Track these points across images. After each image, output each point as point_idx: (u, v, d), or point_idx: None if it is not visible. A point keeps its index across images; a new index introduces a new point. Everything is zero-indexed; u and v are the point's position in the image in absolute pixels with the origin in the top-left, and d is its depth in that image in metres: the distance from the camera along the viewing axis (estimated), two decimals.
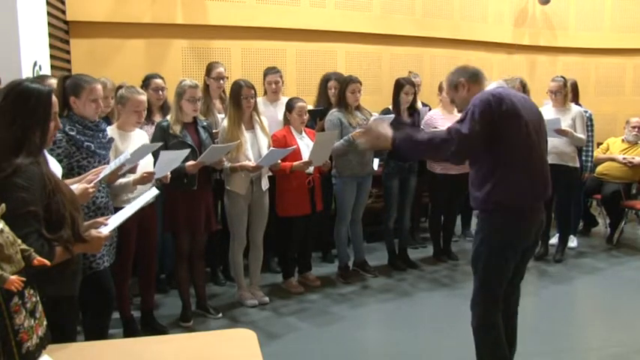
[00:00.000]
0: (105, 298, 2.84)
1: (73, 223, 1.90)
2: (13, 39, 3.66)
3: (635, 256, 5.43)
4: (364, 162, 4.59)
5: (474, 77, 2.71)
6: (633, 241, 5.99)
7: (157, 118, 4.14)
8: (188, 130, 3.73)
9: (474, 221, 5.80)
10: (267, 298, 4.22)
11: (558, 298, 4.37)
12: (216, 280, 4.62)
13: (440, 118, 4.96)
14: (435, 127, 4.78)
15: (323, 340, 3.63)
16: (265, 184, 4.12)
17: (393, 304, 4.25)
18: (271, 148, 3.99)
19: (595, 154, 5.71)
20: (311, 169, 4.27)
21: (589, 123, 5.32)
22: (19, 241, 1.58)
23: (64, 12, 5.03)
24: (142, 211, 2.66)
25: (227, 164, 3.90)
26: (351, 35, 6.22)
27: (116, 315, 3.38)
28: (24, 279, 1.52)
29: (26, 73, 3.73)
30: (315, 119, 4.87)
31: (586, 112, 5.26)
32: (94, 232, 2.02)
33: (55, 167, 2.27)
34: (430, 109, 5.40)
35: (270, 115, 4.53)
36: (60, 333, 1.86)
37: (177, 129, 3.67)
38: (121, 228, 2.68)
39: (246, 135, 3.98)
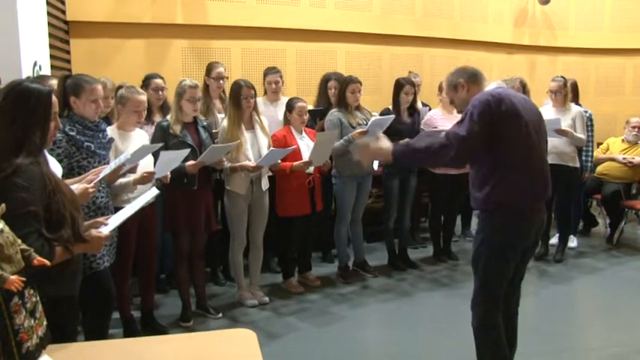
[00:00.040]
0: (105, 298, 2.83)
1: (74, 223, 1.90)
2: (13, 39, 3.66)
3: (635, 256, 5.43)
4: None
5: (473, 78, 2.72)
6: (633, 241, 5.99)
7: (157, 118, 4.14)
8: (188, 130, 3.73)
9: (474, 221, 5.80)
10: (267, 298, 4.22)
11: (558, 298, 4.37)
12: (216, 280, 4.62)
13: (440, 118, 4.96)
14: (435, 127, 4.79)
15: (323, 340, 3.63)
16: (265, 184, 4.12)
17: (393, 304, 4.25)
18: (271, 148, 3.99)
19: (595, 154, 5.71)
20: (311, 169, 4.28)
21: (589, 123, 5.32)
22: (19, 241, 1.58)
23: (64, 12, 5.03)
24: (142, 211, 2.66)
25: (227, 164, 3.90)
26: (351, 35, 6.22)
27: (116, 315, 3.38)
28: (24, 279, 1.52)
29: (26, 73, 3.73)
30: (315, 119, 4.87)
31: (586, 112, 5.26)
32: (94, 231, 2.02)
33: (55, 167, 2.27)
34: (430, 109, 5.40)
35: (270, 115, 4.53)
36: (60, 333, 1.86)
37: (177, 129, 3.67)
38: (121, 228, 2.68)
39: (246, 135, 3.98)
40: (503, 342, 2.67)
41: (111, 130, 3.25)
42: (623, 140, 5.98)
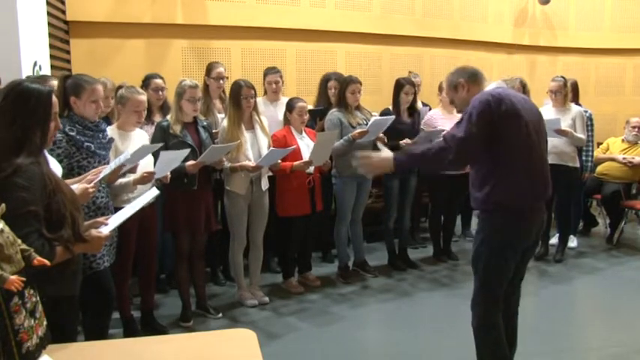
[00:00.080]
0: (105, 298, 2.83)
1: (74, 222, 1.90)
2: (13, 39, 3.66)
3: (635, 256, 5.43)
4: None
5: (473, 77, 2.72)
6: (633, 241, 5.99)
7: (157, 118, 4.14)
8: (188, 130, 3.73)
9: (474, 221, 5.80)
10: (267, 298, 4.22)
11: (558, 298, 4.37)
12: (216, 280, 4.62)
13: (440, 118, 4.96)
14: (435, 127, 4.79)
15: (323, 340, 3.63)
16: (265, 184, 4.12)
17: (393, 304, 4.25)
18: (271, 148, 3.99)
19: (595, 154, 5.71)
20: (311, 168, 4.28)
21: (589, 123, 5.32)
22: (19, 241, 1.58)
23: (64, 12, 5.03)
24: (142, 211, 2.66)
25: (227, 164, 3.90)
26: (351, 35, 6.23)
27: (116, 315, 3.38)
28: (24, 279, 1.52)
29: (26, 73, 3.73)
30: (315, 119, 4.87)
31: (586, 112, 5.26)
32: (94, 231, 2.02)
33: (56, 167, 2.27)
34: (430, 109, 5.40)
35: (270, 115, 4.53)
36: (60, 333, 1.86)
37: (177, 129, 3.67)
38: (121, 228, 2.67)
39: (246, 135, 3.98)
40: (503, 342, 2.67)
41: (111, 130, 3.25)
42: (623, 140, 5.98)
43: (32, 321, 1.58)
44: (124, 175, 3.06)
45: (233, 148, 3.79)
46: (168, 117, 3.78)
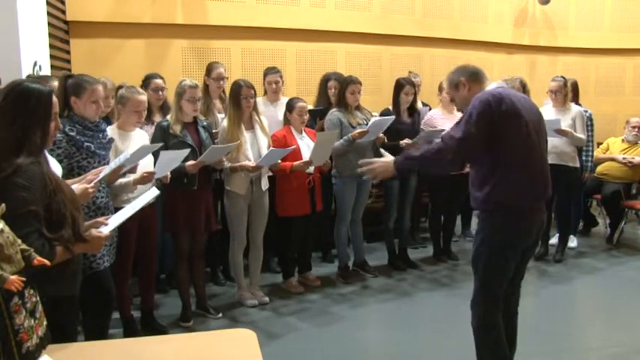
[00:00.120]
0: (105, 298, 2.83)
1: (74, 222, 1.90)
2: (13, 39, 3.66)
3: (635, 256, 5.43)
4: None
5: (474, 76, 2.71)
6: (633, 241, 5.99)
7: (157, 118, 4.14)
8: (188, 130, 3.73)
9: (474, 221, 5.80)
10: (267, 298, 4.22)
11: (558, 298, 4.37)
12: (216, 280, 4.62)
13: (440, 118, 4.96)
14: (435, 127, 4.79)
15: (323, 340, 3.63)
16: (265, 184, 4.12)
17: (393, 304, 4.25)
18: (271, 148, 3.99)
19: (595, 154, 5.71)
20: (311, 168, 4.28)
21: (589, 123, 5.32)
22: (19, 241, 1.58)
23: (64, 12, 5.03)
24: (142, 211, 2.66)
25: (227, 164, 3.90)
26: (351, 35, 6.23)
27: (116, 315, 3.38)
28: (24, 279, 1.52)
29: (26, 73, 3.73)
30: (315, 119, 4.87)
31: (586, 112, 5.26)
32: (94, 231, 2.02)
33: (56, 167, 2.27)
34: (430, 109, 5.40)
35: (270, 115, 4.53)
36: (60, 333, 1.86)
37: (177, 129, 3.67)
38: (121, 228, 2.67)
39: (246, 135, 3.98)
40: (503, 342, 2.67)
41: (111, 130, 3.25)
42: (623, 140, 5.98)
43: (32, 321, 1.58)
44: (124, 175, 3.06)
45: (233, 148, 3.79)
46: (168, 117, 3.78)
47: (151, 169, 3.28)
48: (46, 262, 1.62)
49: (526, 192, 2.56)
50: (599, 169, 5.87)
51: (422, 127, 4.93)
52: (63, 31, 5.02)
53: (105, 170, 2.49)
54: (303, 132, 4.37)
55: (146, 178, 3.21)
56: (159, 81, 4.33)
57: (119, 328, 3.55)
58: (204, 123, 3.88)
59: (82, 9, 5.09)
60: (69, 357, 1.78)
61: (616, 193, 5.69)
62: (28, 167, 1.78)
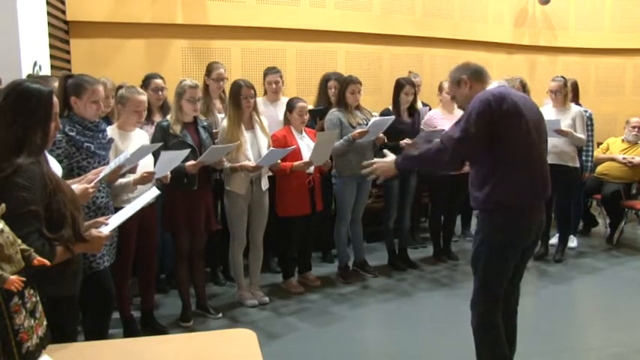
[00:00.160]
0: (105, 298, 2.84)
1: (74, 222, 1.90)
2: (13, 39, 3.66)
3: (635, 256, 5.43)
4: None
5: (476, 75, 2.71)
6: (633, 241, 5.99)
7: (157, 118, 4.15)
8: (188, 130, 3.73)
9: (474, 221, 5.80)
10: (267, 298, 4.22)
11: (558, 298, 4.37)
12: (216, 280, 4.62)
13: (440, 118, 4.96)
14: (435, 127, 4.79)
15: (323, 340, 3.63)
16: (265, 184, 4.12)
17: (393, 304, 4.25)
18: (271, 148, 3.99)
19: (595, 154, 5.71)
20: (311, 168, 4.28)
21: (589, 123, 5.32)
22: (19, 241, 1.58)
23: (64, 12, 5.03)
24: (142, 211, 2.66)
25: (227, 164, 3.90)
26: (351, 35, 6.23)
27: (116, 315, 3.38)
28: (24, 279, 1.52)
29: (26, 73, 3.73)
30: (315, 119, 4.87)
31: (586, 112, 5.26)
32: (94, 231, 2.02)
33: (56, 168, 2.27)
34: (430, 109, 5.40)
35: (271, 115, 4.53)
36: (60, 333, 1.86)
37: (177, 129, 3.67)
38: (121, 228, 2.67)
39: (246, 135, 3.98)
40: (502, 341, 2.67)
41: (111, 130, 3.25)
42: (623, 140, 5.98)
43: (32, 321, 1.58)
44: (124, 175, 3.06)
45: (233, 148, 3.79)
46: (168, 117, 3.78)
47: (151, 169, 3.28)
48: (46, 262, 1.62)
49: (526, 191, 2.56)
50: (599, 169, 5.87)
51: (422, 127, 4.93)
52: (63, 31, 5.02)
53: (105, 170, 2.49)
54: (304, 132, 4.37)
55: (146, 178, 3.21)
56: (159, 81, 4.33)
57: (119, 328, 3.55)
58: (205, 123, 3.88)
59: (82, 9, 5.09)
60: (69, 357, 1.78)
61: (616, 193, 5.69)
62: (28, 167, 1.78)
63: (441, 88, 5.10)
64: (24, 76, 3.53)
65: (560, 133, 4.79)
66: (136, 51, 5.35)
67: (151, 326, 3.68)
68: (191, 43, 5.57)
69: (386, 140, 4.50)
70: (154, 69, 4.74)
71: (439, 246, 5.27)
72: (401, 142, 4.53)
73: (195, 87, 3.71)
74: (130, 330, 3.57)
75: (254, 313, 4.05)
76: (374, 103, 5.34)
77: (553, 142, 4.50)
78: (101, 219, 2.16)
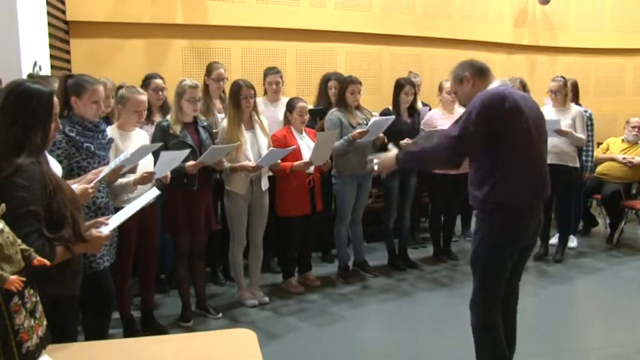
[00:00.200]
0: (105, 298, 2.84)
1: (74, 222, 1.90)
2: (13, 39, 3.66)
3: (635, 256, 5.43)
4: (364, 162, 4.58)
5: (479, 72, 2.70)
6: (633, 241, 5.99)
7: (157, 118, 4.15)
8: (188, 130, 3.73)
9: (473, 221, 5.78)
10: (267, 298, 4.22)
11: (558, 298, 4.37)
12: (216, 280, 4.62)
13: (440, 118, 4.96)
14: (435, 127, 4.79)
15: (323, 340, 3.63)
16: (265, 184, 4.12)
17: (393, 304, 4.25)
18: (271, 148, 3.99)
19: (595, 154, 5.71)
20: (311, 168, 4.28)
21: (589, 123, 5.33)
22: (19, 241, 1.58)
23: (64, 12, 5.03)
24: (142, 211, 2.66)
25: (227, 164, 3.90)
26: (351, 35, 6.23)
27: (116, 315, 3.38)
28: (24, 279, 1.52)
29: (26, 73, 3.73)
30: (315, 119, 4.88)
31: (586, 111, 5.26)
32: (94, 231, 2.02)
33: (56, 168, 2.27)
34: (430, 109, 5.40)
35: (271, 115, 4.53)
36: (60, 333, 1.86)
37: (177, 129, 3.67)
38: (121, 228, 2.68)
39: (246, 135, 3.98)
40: (502, 342, 2.67)
41: (111, 130, 3.25)
42: (623, 140, 5.98)
43: (32, 321, 1.58)
44: (124, 175, 3.06)
45: (233, 149, 3.79)
46: (168, 117, 3.78)
47: (151, 169, 3.28)
48: (46, 262, 1.62)
49: (525, 191, 2.56)
50: (599, 169, 5.87)
51: (422, 127, 4.93)
52: (63, 31, 5.02)
53: (105, 170, 2.49)
54: (304, 132, 4.37)
55: (146, 178, 3.21)
56: (159, 81, 4.33)
57: (119, 328, 3.56)
58: (205, 123, 3.88)
59: (82, 9, 5.09)
60: (69, 357, 1.78)
61: (616, 193, 5.69)
62: (28, 167, 1.78)
63: (441, 88, 5.10)
64: (24, 76, 3.53)
65: (560, 133, 4.79)
66: (136, 51, 5.35)
67: (151, 326, 3.68)
68: (191, 43, 5.57)
69: (386, 140, 4.50)
70: (154, 69, 4.74)
71: (439, 246, 5.27)
72: (401, 142, 4.52)
73: (195, 87, 3.71)
74: (130, 330, 3.57)
75: (254, 313, 4.05)
76: (374, 103, 5.33)
77: (553, 142, 4.50)
78: (101, 219, 2.16)
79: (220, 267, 4.70)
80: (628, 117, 6.15)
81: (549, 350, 3.43)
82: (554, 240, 5.42)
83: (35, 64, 3.95)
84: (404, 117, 4.81)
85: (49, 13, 4.42)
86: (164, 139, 3.58)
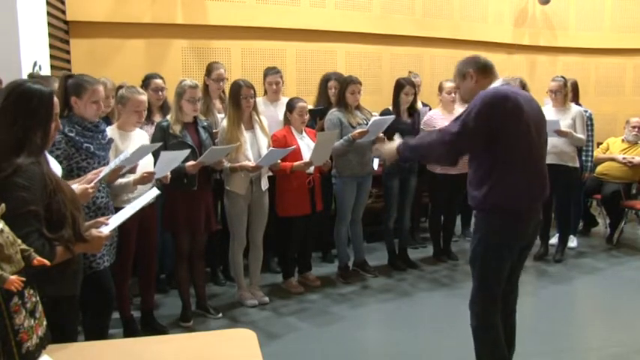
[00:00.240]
0: (105, 298, 2.84)
1: (74, 222, 1.90)
2: (13, 39, 3.67)
3: (635, 256, 5.43)
4: (364, 162, 4.59)
5: (483, 69, 2.70)
6: (633, 241, 5.99)
7: (157, 118, 4.15)
8: (188, 130, 3.73)
9: (473, 221, 5.79)
10: (267, 298, 4.22)
11: (558, 298, 4.37)
12: (216, 280, 4.62)
13: (440, 118, 4.95)
14: (435, 127, 4.78)
15: (323, 340, 3.63)
16: (265, 184, 4.12)
17: (393, 304, 4.25)
18: (271, 148, 3.99)
19: (595, 154, 5.71)
20: (311, 168, 4.28)
21: (589, 123, 5.33)
22: (19, 241, 1.58)
23: (64, 12, 5.03)
24: (142, 211, 2.66)
25: (227, 164, 3.90)
26: (351, 35, 6.23)
27: (116, 315, 3.38)
28: (24, 279, 1.52)
29: (26, 73, 3.73)
30: (315, 119, 4.88)
31: (586, 111, 5.26)
32: (94, 231, 2.02)
33: (56, 168, 2.27)
34: (430, 109, 5.40)
35: (271, 115, 4.53)
36: (60, 333, 1.86)
37: (177, 129, 3.67)
38: (121, 228, 2.68)
39: (246, 135, 3.98)
40: (501, 342, 2.67)
41: (111, 130, 3.25)
42: (623, 140, 5.98)
43: (32, 321, 1.58)
44: (123, 175, 3.06)
45: (233, 149, 3.79)
46: (168, 117, 3.78)
47: (151, 169, 3.28)
48: (46, 262, 1.62)
49: (523, 194, 2.55)
50: (599, 169, 5.87)
51: (422, 127, 4.93)
52: (63, 31, 5.02)
53: (105, 170, 2.50)
54: (304, 132, 4.37)
55: (146, 179, 3.21)
56: (159, 81, 4.33)
57: (119, 328, 3.56)
58: (205, 123, 3.88)
59: (82, 9, 5.09)
60: (69, 357, 1.78)
61: (616, 193, 5.69)
62: (28, 167, 1.78)
63: (441, 88, 5.10)
64: (24, 76, 3.53)
65: (560, 133, 4.79)
66: (136, 51, 5.35)
67: (151, 326, 3.68)
68: (191, 43, 5.57)
69: (386, 140, 4.49)
70: (154, 69, 4.74)
71: (439, 246, 5.27)
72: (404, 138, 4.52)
73: (195, 87, 3.71)
74: (130, 330, 3.57)
75: (254, 313, 4.05)
76: (374, 103, 5.33)
77: (553, 142, 4.50)
78: (101, 219, 2.16)
79: (220, 267, 4.70)
80: (628, 117, 6.15)
81: (549, 350, 3.43)
82: (554, 240, 5.42)
83: (35, 64, 3.95)
84: (404, 117, 4.82)
85: (49, 13, 4.42)
86: (164, 139, 3.58)
